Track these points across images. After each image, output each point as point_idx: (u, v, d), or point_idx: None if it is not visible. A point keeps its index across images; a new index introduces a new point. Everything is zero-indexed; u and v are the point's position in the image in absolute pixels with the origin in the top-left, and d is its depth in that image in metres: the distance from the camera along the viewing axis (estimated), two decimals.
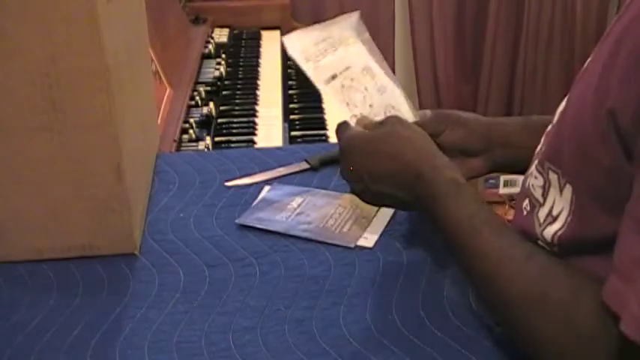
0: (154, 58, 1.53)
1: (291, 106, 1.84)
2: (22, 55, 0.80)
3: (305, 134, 1.67)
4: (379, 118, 0.93)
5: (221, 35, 2.20)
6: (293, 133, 1.67)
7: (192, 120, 1.59)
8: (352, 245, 0.93)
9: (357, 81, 1.00)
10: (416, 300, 0.83)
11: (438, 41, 2.65)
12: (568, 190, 0.73)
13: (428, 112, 0.99)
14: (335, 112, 1.00)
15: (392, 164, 0.86)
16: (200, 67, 1.91)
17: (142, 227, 0.97)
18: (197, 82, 1.82)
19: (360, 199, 0.90)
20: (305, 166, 1.12)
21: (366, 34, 1.04)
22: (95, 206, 0.88)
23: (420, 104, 2.71)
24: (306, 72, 0.94)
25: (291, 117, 1.77)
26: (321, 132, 1.69)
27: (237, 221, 0.98)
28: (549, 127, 0.81)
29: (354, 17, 1.03)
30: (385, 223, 0.97)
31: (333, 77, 0.96)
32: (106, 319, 0.81)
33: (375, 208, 0.99)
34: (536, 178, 0.79)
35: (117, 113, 0.84)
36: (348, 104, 0.95)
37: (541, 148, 0.80)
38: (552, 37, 2.63)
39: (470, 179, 0.94)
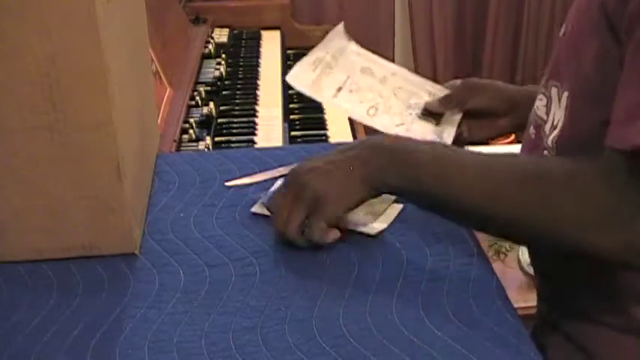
0: (154, 58, 1.53)
1: (291, 106, 1.84)
2: (22, 55, 0.80)
3: (305, 134, 1.68)
4: (391, 102, 1.04)
5: (221, 35, 2.20)
6: (293, 133, 1.67)
7: (192, 120, 1.59)
8: (373, 233, 0.93)
9: (361, 83, 1.07)
10: (416, 300, 0.83)
11: (438, 41, 2.65)
12: (565, 97, 0.80)
13: (457, 81, 1.09)
14: (356, 113, 1.07)
15: (339, 154, 0.88)
16: (200, 67, 1.91)
17: (142, 227, 0.97)
18: (197, 82, 1.82)
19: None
20: None
21: (352, 41, 1.12)
22: (95, 206, 0.88)
23: None
24: (321, 101, 1.05)
25: (291, 117, 1.77)
26: (321, 132, 1.69)
27: (252, 210, 0.99)
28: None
29: (339, 28, 1.11)
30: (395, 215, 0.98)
31: (339, 90, 1.03)
32: (106, 319, 0.81)
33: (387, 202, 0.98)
34: (540, 100, 0.87)
35: (117, 113, 0.84)
36: (361, 102, 1.04)
37: (544, 75, 0.88)
38: (552, 37, 2.63)
39: (499, 136, 1.07)
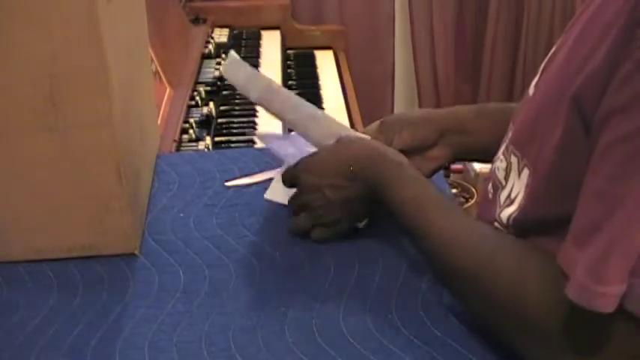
0: (154, 58, 1.53)
1: None
2: (22, 55, 0.80)
3: None
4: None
5: (221, 35, 2.20)
6: (293, 133, 1.67)
7: (192, 120, 1.59)
8: None
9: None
10: (416, 300, 0.83)
11: (438, 41, 2.65)
12: (525, 173, 0.76)
13: (375, 124, 1.01)
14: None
15: (344, 168, 0.90)
16: (200, 67, 1.91)
17: (142, 227, 0.97)
18: (197, 82, 1.82)
19: (328, 223, 0.92)
20: None
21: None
22: (95, 206, 0.88)
23: (420, 104, 2.71)
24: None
25: None
26: None
27: (266, 196, 0.99)
28: (517, 110, 0.84)
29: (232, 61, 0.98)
30: None
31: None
32: (106, 319, 0.81)
33: None
34: (501, 161, 0.82)
35: (117, 113, 0.85)
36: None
37: (508, 134, 0.83)
38: (552, 37, 2.63)
39: (436, 171, 1.01)
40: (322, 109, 1.82)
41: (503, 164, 0.81)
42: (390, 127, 0.99)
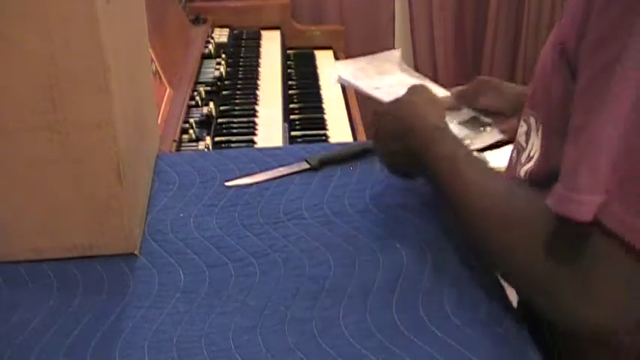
0: (154, 58, 1.53)
1: (291, 106, 1.84)
2: (22, 55, 0.80)
3: (305, 134, 1.68)
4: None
5: (221, 35, 2.20)
6: (293, 133, 1.67)
7: (192, 120, 1.59)
8: None
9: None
10: (416, 300, 0.83)
11: (438, 41, 2.65)
12: (540, 130, 0.82)
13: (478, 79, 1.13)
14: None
15: (393, 124, 0.97)
16: (200, 67, 1.91)
17: (142, 227, 0.97)
18: (197, 82, 1.81)
19: (387, 165, 1.01)
20: (305, 166, 1.12)
21: (405, 66, 1.22)
22: (95, 206, 0.88)
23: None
24: (354, 83, 1.13)
25: (291, 117, 1.77)
26: (321, 132, 1.69)
27: (339, 75, 1.08)
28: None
29: (396, 54, 1.21)
30: None
31: (377, 88, 1.12)
32: (106, 319, 0.81)
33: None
34: (521, 126, 0.87)
35: (117, 113, 0.85)
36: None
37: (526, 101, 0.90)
38: None
39: (503, 143, 1.08)
40: (322, 109, 1.83)
41: (524, 128, 0.86)
42: (481, 86, 1.10)
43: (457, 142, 0.90)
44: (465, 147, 0.91)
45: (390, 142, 0.97)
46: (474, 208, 0.81)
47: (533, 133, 0.83)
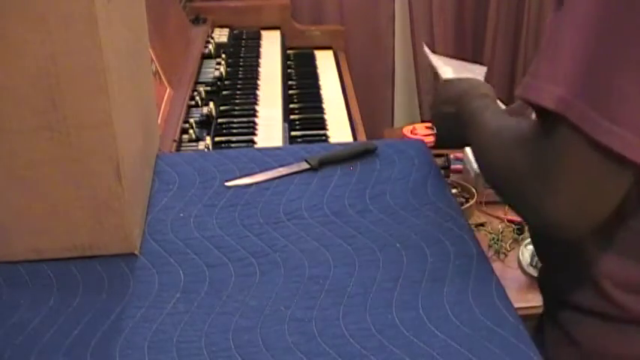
0: (153, 58, 1.53)
1: (291, 106, 1.84)
2: (22, 55, 0.80)
3: (305, 134, 1.68)
4: None
5: (221, 35, 2.20)
6: (293, 133, 1.67)
7: (192, 120, 1.59)
8: None
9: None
10: (416, 300, 0.83)
11: (438, 41, 2.65)
12: None
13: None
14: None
15: (451, 91, 1.06)
16: (200, 67, 1.91)
17: (142, 227, 0.97)
18: (197, 82, 1.81)
19: (438, 129, 1.09)
20: (305, 166, 1.12)
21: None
22: (95, 206, 0.88)
23: (419, 104, 2.71)
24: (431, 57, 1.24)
25: (291, 117, 1.77)
26: (321, 132, 1.69)
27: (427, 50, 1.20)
28: None
29: (482, 70, 1.28)
30: None
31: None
32: (106, 319, 0.81)
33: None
34: None
35: (117, 113, 0.84)
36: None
37: None
38: None
39: None
40: (322, 109, 1.83)
41: None
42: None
43: (495, 103, 0.98)
44: (497, 104, 0.99)
45: (445, 106, 1.04)
46: (482, 140, 0.89)
47: None
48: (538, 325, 0.99)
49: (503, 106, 1.11)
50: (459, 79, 1.09)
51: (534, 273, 1.53)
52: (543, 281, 0.99)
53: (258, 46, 2.17)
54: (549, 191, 0.73)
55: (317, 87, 1.99)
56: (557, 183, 0.72)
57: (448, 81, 1.11)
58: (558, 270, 0.90)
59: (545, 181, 0.73)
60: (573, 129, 0.70)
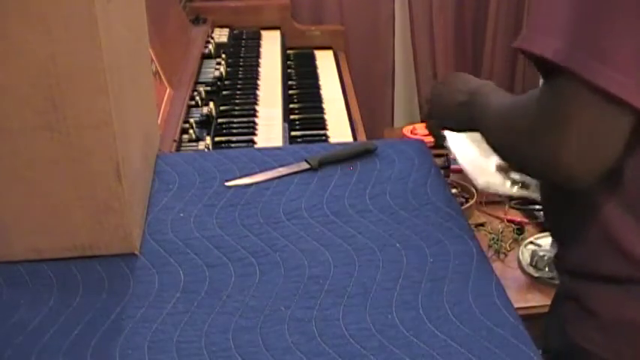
0: (154, 58, 1.53)
1: (291, 106, 1.84)
2: (22, 55, 0.80)
3: (305, 134, 1.68)
4: None
5: (221, 35, 2.20)
6: (293, 133, 1.67)
7: (192, 120, 1.59)
8: None
9: None
10: (416, 300, 0.83)
11: (437, 41, 2.65)
12: None
13: None
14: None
15: (456, 83, 1.08)
16: (200, 67, 1.91)
17: (142, 227, 0.97)
18: (197, 82, 1.81)
19: (434, 104, 1.10)
20: (305, 166, 1.12)
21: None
22: (95, 206, 0.88)
23: (419, 104, 2.71)
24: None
25: (291, 117, 1.77)
26: (321, 132, 1.69)
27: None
28: None
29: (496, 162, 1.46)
30: None
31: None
32: (106, 319, 0.81)
33: None
34: None
35: (117, 113, 0.85)
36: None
37: None
38: None
39: None
40: (322, 109, 1.83)
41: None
42: None
43: (492, 86, 1.01)
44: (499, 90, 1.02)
45: (453, 94, 1.06)
46: (493, 115, 0.92)
47: None
48: (555, 302, 1.00)
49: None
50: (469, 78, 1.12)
51: (534, 273, 1.53)
52: (559, 261, 0.99)
53: (258, 46, 2.17)
54: (559, 142, 0.75)
55: (317, 87, 1.99)
56: (565, 133, 0.75)
57: (445, 79, 1.14)
58: (575, 242, 0.91)
59: (554, 132, 0.76)
60: (573, 77, 0.73)
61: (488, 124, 0.93)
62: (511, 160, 0.91)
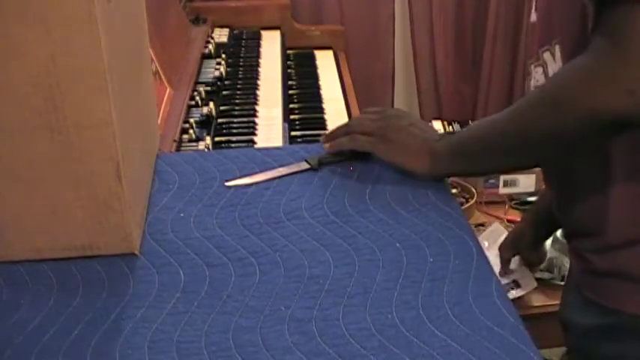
0: (154, 58, 1.53)
1: (291, 106, 1.85)
2: (22, 55, 0.80)
3: (305, 134, 1.68)
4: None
5: (221, 35, 2.20)
6: (293, 133, 1.67)
7: (192, 120, 1.59)
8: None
9: None
10: (416, 300, 0.83)
11: (438, 41, 2.65)
12: (557, 50, 0.91)
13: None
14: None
15: (397, 113, 1.09)
16: (200, 67, 1.91)
17: (142, 227, 0.97)
18: (197, 82, 1.82)
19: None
20: (305, 166, 1.12)
21: None
22: (95, 206, 0.88)
23: (419, 104, 2.71)
24: None
25: (291, 117, 1.77)
26: (321, 132, 1.69)
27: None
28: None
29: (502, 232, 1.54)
30: None
31: None
32: (106, 319, 0.81)
33: None
34: (536, 72, 0.98)
35: (117, 113, 0.84)
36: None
37: (534, 53, 1.01)
38: None
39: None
40: (322, 109, 1.83)
41: (539, 71, 0.96)
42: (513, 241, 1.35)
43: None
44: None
45: (398, 121, 1.05)
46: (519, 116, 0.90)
47: (550, 66, 0.92)
48: (564, 293, 1.02)
49: None
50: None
51: (534, 273, 1.54)
52: (590, 243, 1.01)
53: (258, 46, 2.17)
54: (621, 60, 0.75)
55: (317, 87, 1.99)
56: (630, 54, 0.75)
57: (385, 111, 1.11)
58: (570, 216, 0.94)
59: (632, 59, 0.75)
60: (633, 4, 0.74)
61: (505, 125, 0.92)
62: (561, 131, 0.87)
